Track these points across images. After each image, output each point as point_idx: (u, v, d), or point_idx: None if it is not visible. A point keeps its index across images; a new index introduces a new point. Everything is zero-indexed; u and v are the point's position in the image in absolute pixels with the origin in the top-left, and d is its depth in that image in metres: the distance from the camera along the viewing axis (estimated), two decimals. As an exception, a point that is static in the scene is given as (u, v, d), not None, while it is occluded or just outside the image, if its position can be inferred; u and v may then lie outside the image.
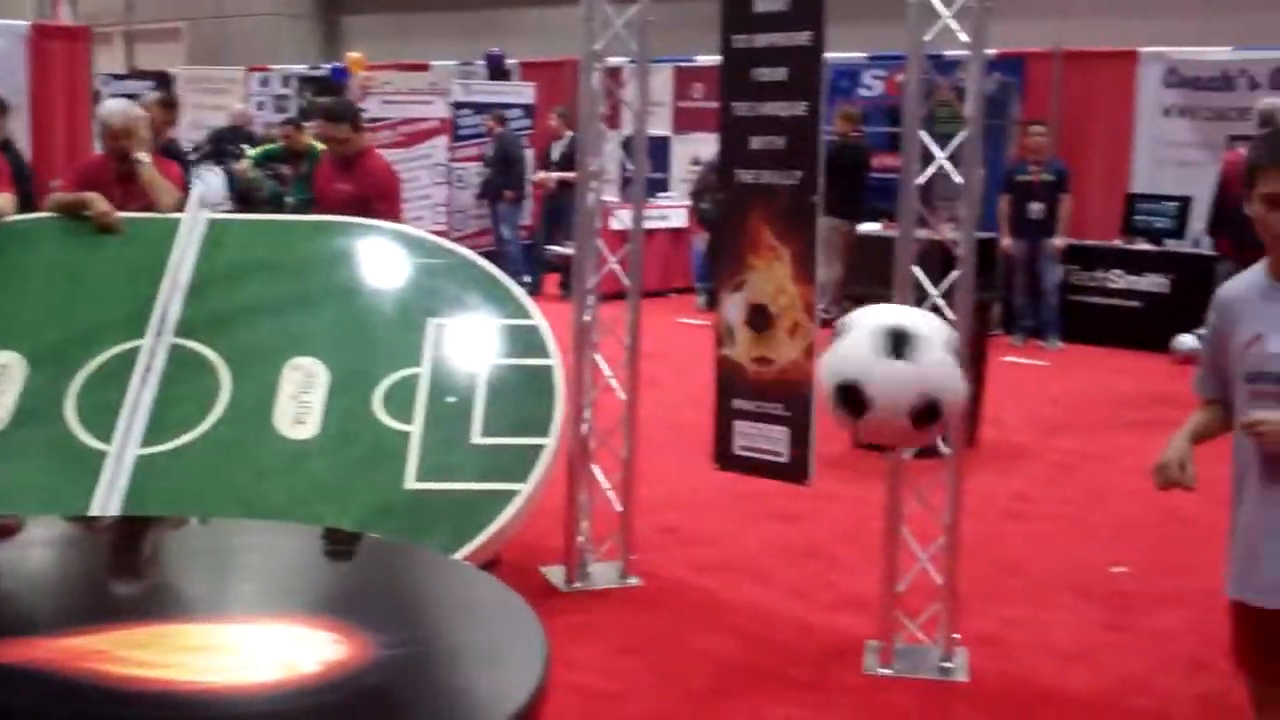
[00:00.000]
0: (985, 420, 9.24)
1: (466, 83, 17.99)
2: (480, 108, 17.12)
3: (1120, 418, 10.13)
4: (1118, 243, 13.71)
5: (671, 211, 16.66)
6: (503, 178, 16.48)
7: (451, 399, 5.88)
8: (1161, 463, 3.59)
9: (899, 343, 4.46)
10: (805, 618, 6.01)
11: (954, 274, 5.39)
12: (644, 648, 5.65)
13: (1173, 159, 14.40)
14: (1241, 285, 3.67)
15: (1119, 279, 13.41)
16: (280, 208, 15.35)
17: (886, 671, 5.41)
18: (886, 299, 5.26)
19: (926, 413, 4.52)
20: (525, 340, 6.13)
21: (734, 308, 5.94)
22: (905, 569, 5.49)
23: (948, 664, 5.44)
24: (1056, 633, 5.85)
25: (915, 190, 5.30)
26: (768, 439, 5.92)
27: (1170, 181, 14.19)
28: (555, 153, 16.23)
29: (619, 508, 6.45)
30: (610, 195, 9.05)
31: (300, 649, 2.98)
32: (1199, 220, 12.83)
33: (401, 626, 3.13)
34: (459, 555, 5.23)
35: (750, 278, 5.85)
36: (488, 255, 8.19)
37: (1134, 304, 13.31)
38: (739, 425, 6.00)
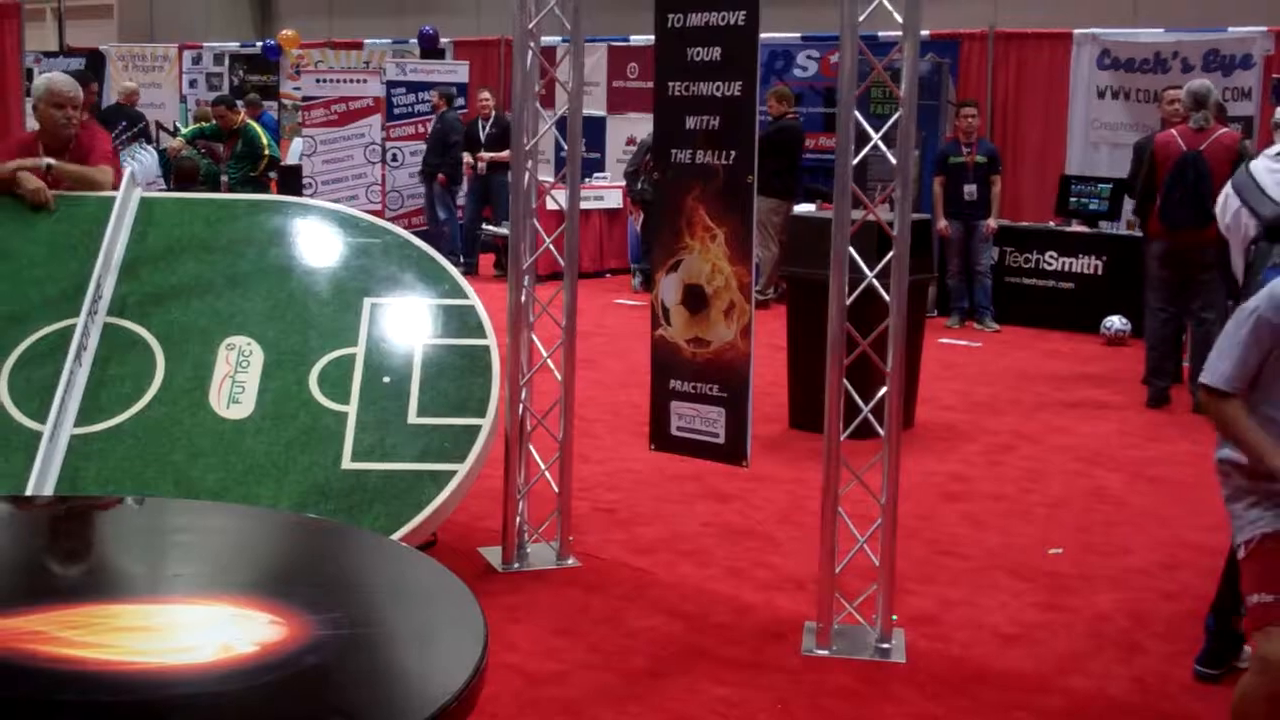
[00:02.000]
0: (922, 401, 9.30)
1: (400, 61, 17.87)
2: (414, 86, 17.00)
3: (1054, 398, 10.21)
4: (1052, 224, 13.79)
5: (607, 192, 16.63)
6: (438, 158, 16.38)
7: (388, 379, 5.86)
8: None
9: None
10: (743, 598, 6.02)
11: (889, 255, 5.40)
12: (581, 628, 5.64)
13: (1106, 140, 14.50)
14: None
15: (1053, 261, 13.47)
16: (216, 186, 15.31)
17: (824, 652, 5.42)
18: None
19: None
20: (461, 320, 6.12)
21: (669, 288, 5.93)
22: (843, 550, 5.50)
23: (885, 644, 5.45)
24: (994, 613, 5.88)
25: (850, 171, 5.30)
26: (704, 420, 5.92)
27: (1104, 163, 14.28)
28: (482, 131, 16.15)
29: (556, 488, 6.43)
30: (545, 175, 9.05)
31: (237, 630, 2.96)
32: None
33: (339, 607, 3.12)
34: (396, 536, 5.22)
35: (686, 258, 5.85)
36: (422, 235, 8.15)
37: (1067, 285, 13.37)
38: (675, 406, 6.00)
